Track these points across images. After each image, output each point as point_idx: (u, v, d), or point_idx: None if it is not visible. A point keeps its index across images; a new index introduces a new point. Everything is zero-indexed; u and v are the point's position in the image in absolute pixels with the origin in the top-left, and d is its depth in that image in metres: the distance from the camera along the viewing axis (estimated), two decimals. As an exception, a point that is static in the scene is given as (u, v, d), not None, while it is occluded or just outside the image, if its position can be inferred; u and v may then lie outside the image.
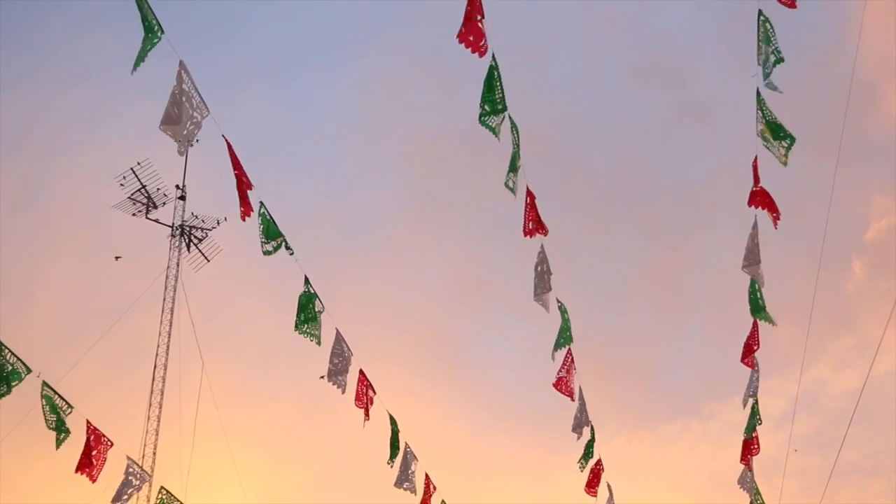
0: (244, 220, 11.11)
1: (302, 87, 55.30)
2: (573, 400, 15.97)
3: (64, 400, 14.23)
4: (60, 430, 14.25)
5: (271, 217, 11.95)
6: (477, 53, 9.93)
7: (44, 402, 14.10)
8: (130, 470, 15.89)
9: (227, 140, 10.46)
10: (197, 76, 9.62)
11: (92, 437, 14.92)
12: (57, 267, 43.35)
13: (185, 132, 9.49)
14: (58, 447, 14.40)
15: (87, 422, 14.87)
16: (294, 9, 52.34)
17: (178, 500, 17.16)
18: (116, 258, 30.78)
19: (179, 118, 9.37)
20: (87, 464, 15.00)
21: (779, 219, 12.26)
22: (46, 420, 14.18)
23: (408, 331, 49.91)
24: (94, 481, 15.19)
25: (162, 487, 17.16)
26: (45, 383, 13.96)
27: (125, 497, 15.99)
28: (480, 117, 10.66)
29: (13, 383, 13.26)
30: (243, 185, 10.93)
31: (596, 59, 53.41)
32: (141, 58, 8.87)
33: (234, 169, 10.81)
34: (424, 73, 50.35)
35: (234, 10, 51.81)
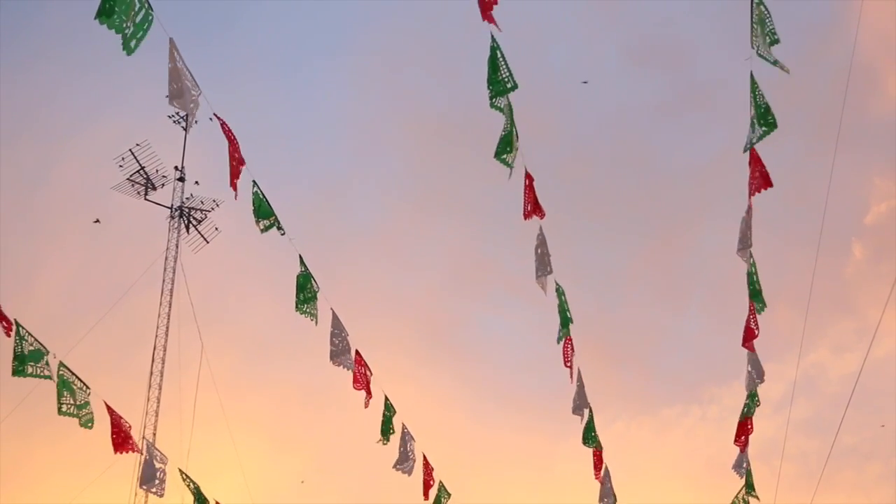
0: (234, 189, 11.06)
1: (300, 74, 55.23)
2: (572, 381, 16.03)
3: (80, 380, 14.23)
4: (82, 408, 14.26)
5: (264, 196, 11.94)
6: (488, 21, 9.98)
7: (68, 379, 14.13)
8: (151, 452, 15.98)
9: (218, 117, 10.46)
10: (197, 63, 9.65)
11: (112, 419, 14.98)
12: (57, 249, 43.41)
13: (190, 105, 9.51)
14: (91, 426, 14.46)
15: (105, 403, 14.92)
16: (293, -3, 52.14)
17: (192, 482, 17.16)
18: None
19: (182, 92, 9.41)
20: (121, 442, 15.09)
21: (765, 187, 12.15)
22: (61, 405, 14.05)
23: (406, 315, 49.93)
24: (121, 452, 15.21)
25: (179, 469, 17.16)
26: (62, 364, 13.98)
27: (156, 482, 16.08)
28: (490, 100, 10.67)
29: (37, 363, 13.37)
30: (235, 160, 10.92)
31: (594, 41, 53.25)
32: (136, 36, 8.76)
33: (230, 144, 10.79)
34: (422, 59, 50.23)
35: (233, -3, 51.64)
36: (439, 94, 52.02)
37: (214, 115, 10.36)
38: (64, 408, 14.04)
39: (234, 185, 11.01)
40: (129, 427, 15.22)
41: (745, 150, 11.37)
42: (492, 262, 50.39)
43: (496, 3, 9.99)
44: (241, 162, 11.03)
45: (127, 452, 15.08)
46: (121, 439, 14.99)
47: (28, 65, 46.03)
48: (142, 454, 15.97)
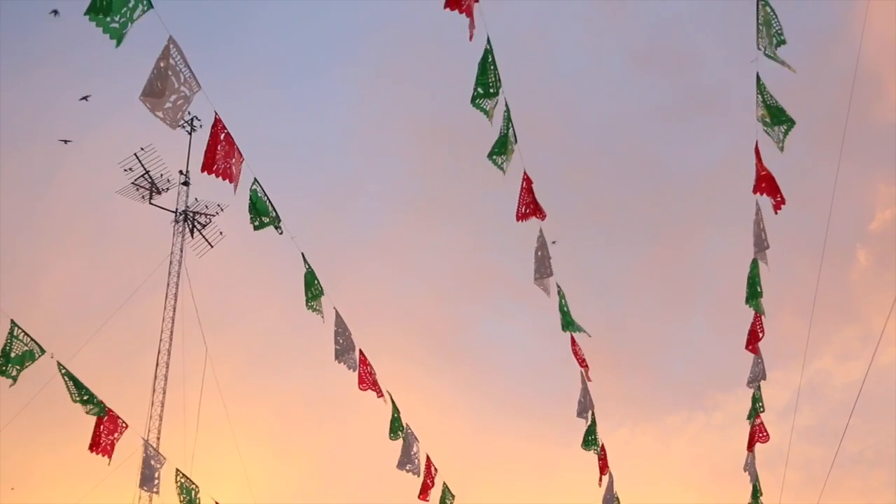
0: (234, 186, 10.95)
1: (305, 83, 55.29)
2: (588, 379, 16.04)
3: (77, 382, 14.18)
4: (91, 402, 14.20)
5: (265, 193, 11.85)
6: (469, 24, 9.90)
7: (66, 380, 14.10)
8: (149, 453, 15.93)
9: (216, 114, 10.38)
10: (203, 70, 9.52)
11: (107, 420, 14.84)
12: (62, 253, 43.45)
13: (167, 107, 9.28)
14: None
15: (104, 404, 14.82)
16: (299, 3, 52.22)
17: (194, 484, 17.16)
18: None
19: (163, 92, 9.18)
20: (98, 443, 14.92)
21: (783, 203, 12.15)
22: (72, 396, 14.04)
23: (410, 322, 49.89)
24: (110, 456, 15.10)
25: (177, 470, 17.13)
26: (60, 365, 13.93)
27: (155, 482, 16.07)
28: (473, 99, 10.72)
29: (27, 363, 13.24)
30: (233, 156, 10.85)
31: (598, 44, 53.24)
32: (123, 25, 8.55)
33: (223, 143, 10.69)
34: (425, 69, 50.30)
35: (240, 3, 51.71)
36: (443, 103, 52.08)
37: (215, 113, 10.27)
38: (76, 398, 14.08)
39: (232, 179, 10.83)
40: (126, 427, 15.08)
41: (782, 150, 11.22)
42: (495, 268, 50.38)
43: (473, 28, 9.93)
44: (238, 158, 10.92)
45: (102, 455, 14.89)
46: (97, 440, 14.73)
47: (32, 69, 46.13)
48: (144, 454, 15.96)
